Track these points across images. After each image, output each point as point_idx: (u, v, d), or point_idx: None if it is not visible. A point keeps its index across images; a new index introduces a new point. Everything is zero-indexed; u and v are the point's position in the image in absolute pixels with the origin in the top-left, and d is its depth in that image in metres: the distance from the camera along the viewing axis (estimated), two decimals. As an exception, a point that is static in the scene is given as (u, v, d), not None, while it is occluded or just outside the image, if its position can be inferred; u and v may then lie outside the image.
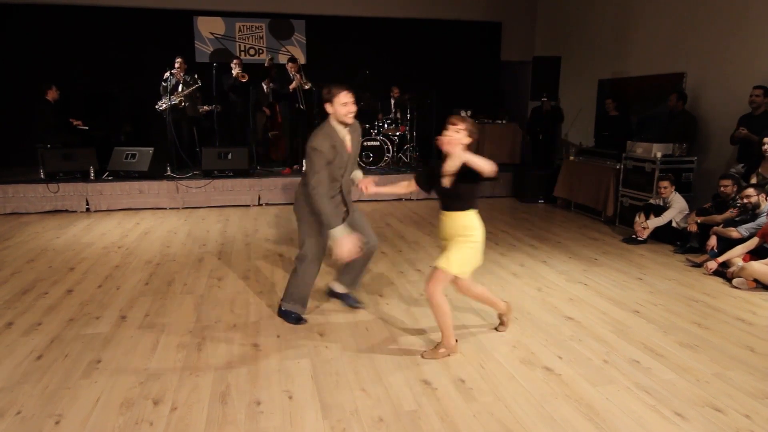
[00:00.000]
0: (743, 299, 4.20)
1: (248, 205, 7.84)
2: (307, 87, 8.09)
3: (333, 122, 3.31)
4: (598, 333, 3.55)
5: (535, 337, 3.47)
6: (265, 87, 8.75)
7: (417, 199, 8.32)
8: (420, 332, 3.53)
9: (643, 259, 5.26)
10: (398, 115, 9.07)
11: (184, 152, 7.92)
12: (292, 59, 8.32)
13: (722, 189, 5.27)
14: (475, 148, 3.05)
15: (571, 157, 7.79)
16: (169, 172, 7.73)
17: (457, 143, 2.91)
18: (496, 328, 3.57)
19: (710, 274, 4.73)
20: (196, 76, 8.12)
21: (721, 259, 4.71)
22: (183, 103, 7.95)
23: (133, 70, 8.99)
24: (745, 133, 5.44)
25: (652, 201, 6.00)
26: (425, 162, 9.15)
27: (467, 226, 3.04)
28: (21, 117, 8.35)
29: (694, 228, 5.33)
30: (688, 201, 5.81)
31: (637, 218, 5.92)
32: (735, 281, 4.47)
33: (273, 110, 9.01)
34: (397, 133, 8.90)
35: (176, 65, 7.88)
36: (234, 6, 9.39)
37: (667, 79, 7.06)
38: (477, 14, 10.30)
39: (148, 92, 8.24)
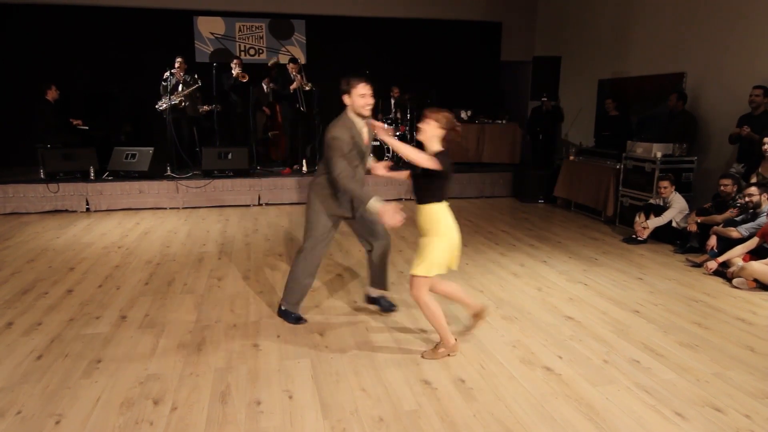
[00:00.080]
0: (743, 299, 4.20)
1: (248, 205, 7.84)
2: (307, 88, 8.09)
3: (350, 114, 3.33)
4: (598, 333, 3.55)
5: (535, 337, 3.47)
6: (265, 87, 8.76)
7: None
8: (420, 332, 3.53)
9: (643, 259, 5.26)
10: (398, 115, 9.07)
11: (184, 152, 7.92)
12: (293, 60, 8.32)
13: (722, 188, 5.27)
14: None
15: (571, 157, 7.79)
16: (169, 172, 7.73)
17: (426, 135, 2.98)
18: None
19: (710, 274, 4.73)
20: (196, 76, 8.11)
21: (721, 259, 4.71)
22: (183, 103, 7.95)
23: (133, 70, 8.99)
24: (748, 132, 5.44)
25: (652, 201, 6.00)
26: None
27: (432, 220, 3.02)
28: (21, 117, 8.34)
29: (694, 228, 5.33)
30: (688, 201, 5.81)
31: (637, 218, 5.92)
32: (735, 281, 4.47)
33: (273, 110, 9.01)
34: (397, 133, 8.89)
35: (176, 65, 7.88)
36: (234, 6, 9.38)
37: (667, 79, 7.06)
38: (477, 14, 10.30)
39: (148, 92, 8.24)
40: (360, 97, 3.26)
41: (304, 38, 9.82)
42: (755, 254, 4.60)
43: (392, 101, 9.11)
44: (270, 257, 5.23)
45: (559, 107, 9.32)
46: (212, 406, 2.66)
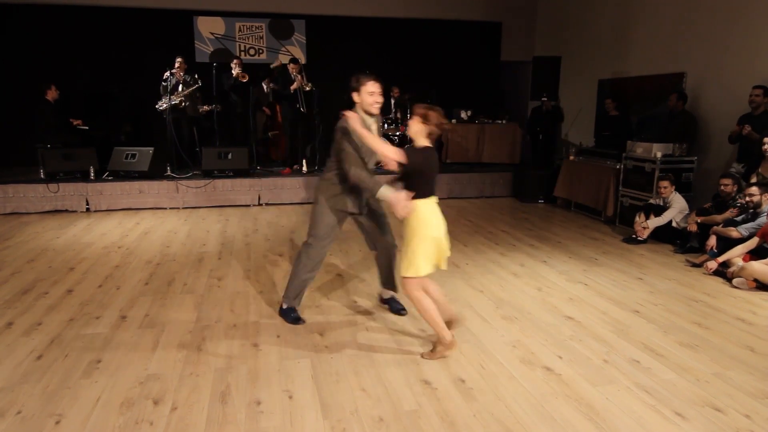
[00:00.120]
0: (743, 299, 4.20)
1: (248, 205, 7.84)
2: (308, 88, 8.09)
3: (359, 111, 3.35)
4: (598, 333, 3.55)
5: (535, 337, 3.47)
6: (265, 87, 8.75)
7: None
8: (420, 332, 3.53)
9: (643, 259, 5.26)
10: (398, 115, 9.07)
11: (184, 152, 7.91)
12: (294, 60, 8.32)
13: (722, 188, 5.27)
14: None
15: (571, 157, 7.79)
16: (169, 172, 7.72)
17: (412, 131, 3.02)
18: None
19: (710, 274, 4.73)
20: (196, 76, 8.11)
21: (721, 258, 4.71)
22: (183, 103, 7.95)
23: (133, 70, 8.99)
24: (749, 131, 5.43)
25: (652, 201, 6.00)
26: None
27: (412, 217, 3.02)
28: (21, 117, 8.34)
29: (694, 228, 5.33)
30: (688, 201, 5.81)
31: (637, 218, 5.92)
32: (735, 281, 4.47)
33: (273, 110, 9.01)
34: (397, 133, 8.90)
35: (176, 65, 7.88)
36: (234, 6, 9.38)
37: (667, 79, 7.06)
38: (477, 14, 10.30)
39: (148, 92, 8.24)
40: (369, 94, 3.29)
41: (304, 38, 9.82)
42: (755, 254, 4.60)
43: (392, 101, 9.11)
44: (270, 257, 5.23)
45: (559, 107, 9.32)
46: (212, 406, 2.66)
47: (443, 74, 10.16)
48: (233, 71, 8.21)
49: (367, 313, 3.86)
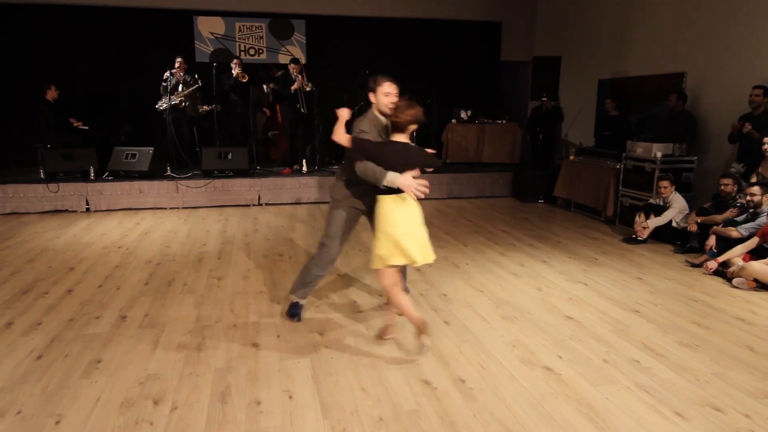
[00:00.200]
0: (743, 299, 4.20)
1: (248, 205, 7.84)
2: (308, 89, 8.08)
3: (375, 111, 3.38)
4: (598, 333, 3.55)
5: (535, 337, 3.47)
6: (265, 87, 8.74)
7: (417, 199, 8.32)
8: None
9: (643, 259, 5.26)
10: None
11: (184, 152, 7.92)
12: (295, 60, 8.32)
13: (722, 188, 5.27)
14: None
15: (571, 157, 7.79)
16: (169, 172, 7.73)
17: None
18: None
19: (710, 274, 4.73)
20: (196, 76, 8.11)
21: (721, 258, 4.71)
22: (183, 103, 7.95)
23: (133, 70, 8.99)
24: (749, 129, 5.43)
25: (652, 201, 6.00)
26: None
27: (377, 211, 3.10)
28: (21, 117, 8.34)
29: (694, 228, 5.33)
30: (688, 201, 5.81)
31: (637, 218, 5.92)
32: (735, 281, 4.47)
33: (273, 110, 9.00)
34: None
35: (176, 65, 7.88)
36: (234, 6, 9.38)
37: (667, 79, 7.06)
38: (477, 14, 10.30)
39: (148, 92, 8.24)
40: (384, 95, 3.31)
41: (304, 38, 9.82)
42: (755, 254, 4.60)
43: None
44: (270, 257, 5.23)
45: (559, 107, 9.32)
46: (212, 406, 2.66)
47: (443, 74, 10.16)
48: (233, 71, 8.21)
49: (367, 313, 3.86)
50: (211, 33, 9.46)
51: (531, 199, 8.33)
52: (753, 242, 4.60)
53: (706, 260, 4.87)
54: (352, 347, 3.31)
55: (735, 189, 5.22)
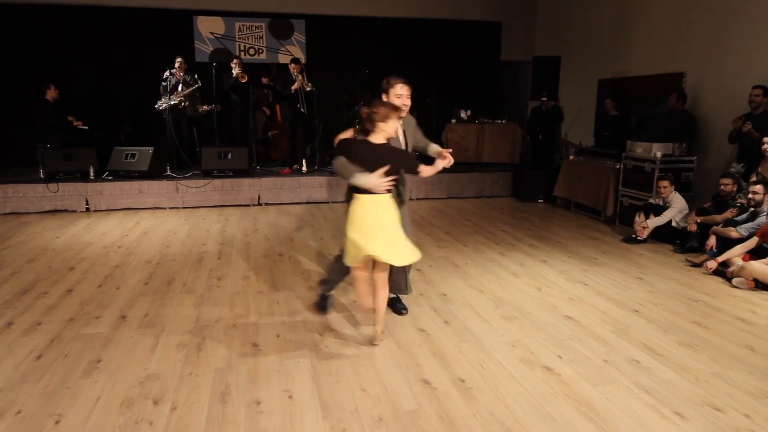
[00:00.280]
0: (743, 299, 4.20)
1: (248, 205, 7.84)
2: (308, 89, 8.08)
3: None
4: (598, 332, 3.55)
5: (534, 337, 3.47)
6: (263, 80, 8.69)
7: (417, 199, 8.33)
8: (420, 332, 3.53)
9: (642, 259, 5.26)
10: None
11: (184, 152, 7.91)
12: (296, 60, 8.32)
13: (722, 188, 5.27)
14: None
15: (571, 157, 7.79)
16: (169, 172, 7.73)
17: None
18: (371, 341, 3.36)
19: (710, 274, 4.74)
20: (196, 76, 8.11)
21: (720, 258, 4.71)
22: (183, 103, 7.94)
23: (133, 70, 8.99)
24: (749, 128, 5.43)
25: (651, 200, 6.00)
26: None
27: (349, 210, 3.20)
28: (21, 117, 8.34)
29: (693, 228, 5.33)
30: (687, 201, 5.81)
31: (636, 218, 5.92)
32: (735, 281, 4.47)
33: (273, 110, 9.00)
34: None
35: (176, 65, 7.88)
36: (234, 6, 9.38)
37: (667, 79, 7.06)
38: (477, 14, 10.30)
39: (148, 92, 8.23)
40: (396, 97, 3.33)
41: (304, 38, 9.82)
42: (755, 254, 4.60)
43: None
44: (270, 257, 5.23)
45: (558, 107, 9.32)
46: (212, 406, 2.66)
47: (443, 74, 10.16)
48: (233, 71, 8.21)
49: (367, 312, 3.85)
50: (211, 33, 9.46)
51: (531, 199, 8.34)
52: (752, 242, 4.60)
53: (706, 260, 4.87)
54: (352, 347, 3.31)
55: (735, 189, 5.22)
